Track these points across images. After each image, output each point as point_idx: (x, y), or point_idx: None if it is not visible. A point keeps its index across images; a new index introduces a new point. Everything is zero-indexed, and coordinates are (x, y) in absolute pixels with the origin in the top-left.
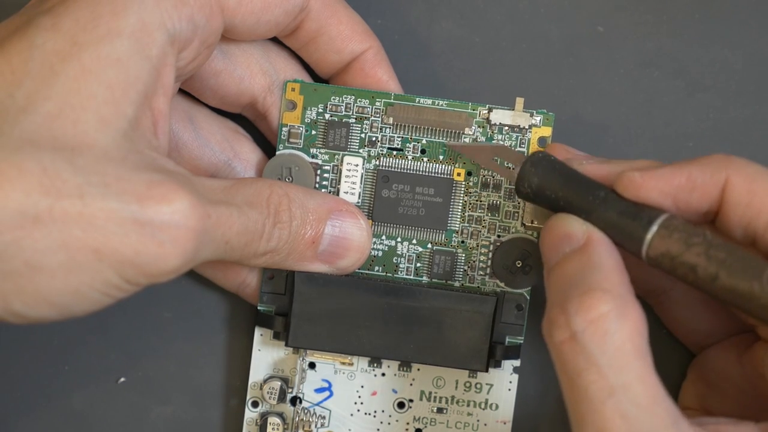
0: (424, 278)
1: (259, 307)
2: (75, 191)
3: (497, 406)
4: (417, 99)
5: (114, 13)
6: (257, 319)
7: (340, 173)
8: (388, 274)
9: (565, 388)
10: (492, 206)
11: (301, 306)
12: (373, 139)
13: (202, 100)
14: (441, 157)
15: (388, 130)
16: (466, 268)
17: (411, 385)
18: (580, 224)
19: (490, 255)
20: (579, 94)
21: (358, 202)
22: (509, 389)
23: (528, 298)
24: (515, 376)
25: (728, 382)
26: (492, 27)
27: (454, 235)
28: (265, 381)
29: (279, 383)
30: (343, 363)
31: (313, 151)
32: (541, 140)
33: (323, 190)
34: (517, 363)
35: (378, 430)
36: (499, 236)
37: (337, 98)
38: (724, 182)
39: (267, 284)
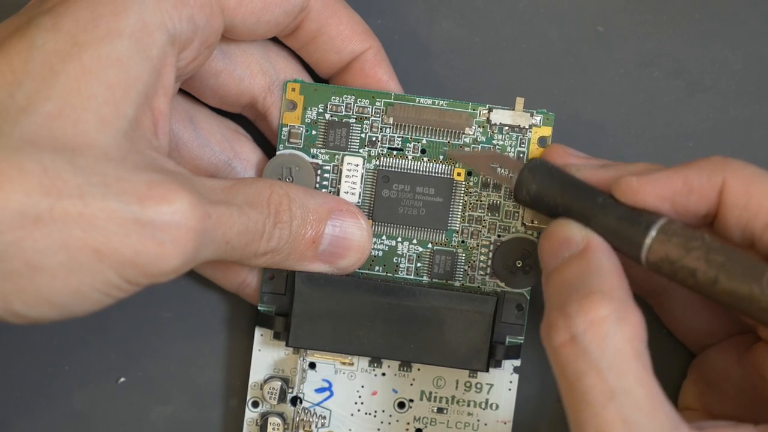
0: (425, 278)
1: (259, 307)
2: (75, 191)
3: (497, 406)
4: (417, 99)
5: (114, 13)
6: (257, 319)
7: (341, 173)
8: (388, 274)
9: (564, 392)
10: (492, 206)
11: (301, 306)
12: (374, 139)
13: (203, 100)
14: (441, 157)
15: (388, 130)
16: (466, 268)
17: (411, 385)
18: (580, 229)
19: (491, 255)
20: (579, 94)
21: (358, 202)
22: (509, 389)
23: (528, 297)
24: (515, 376)
25: (728, 382)
26: (492, 27)
27: (454, 235)
28: (266, 381)
29: (279, 383)
30: (344, 363)
31: (313, 151)
32: (542, 140)
33: (323, 190)
34: (517, 363)
35: (378, 430)
36: (499, 236)
37: (338, 98)
38: (721, 185)
39: (267, 284)
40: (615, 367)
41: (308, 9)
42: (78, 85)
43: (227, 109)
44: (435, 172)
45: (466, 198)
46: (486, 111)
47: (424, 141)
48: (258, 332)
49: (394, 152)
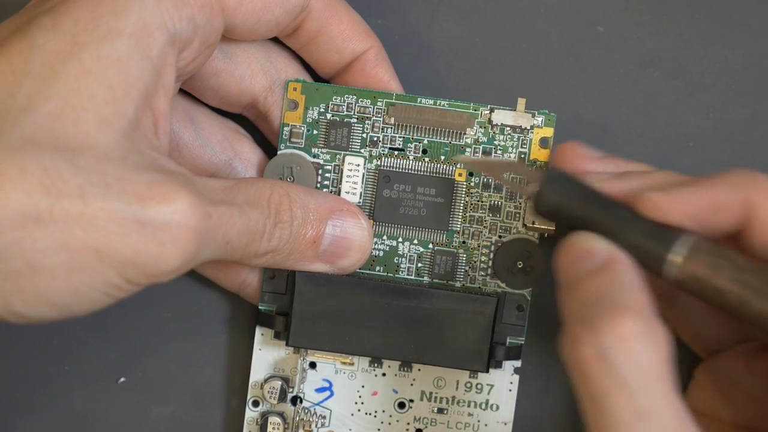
0: (425, 278)
1: (259, 307)
2: (76, 191)
3: (498, 407)
4: (419, 99)
5: (114, 13)
6: (258, 319)
7: (342, 173)
8: (389, 274)
9: (588, 409)
10: (493, 207)
11: (301, 306)
12: (375, 139)
13: (203, 100)
14: (442, 158)
15: (389, 130)
16: (467, 268)
17: (411, 385)
18: (603, 243)
19: (492, 255)
20: (579, 94)
21: (359, 202)
22: (510, 390)
23: (529, 298)
24: (516, 377)
25: (738, 390)
26: (492, 27)
27: (455, 235)
28: (266, 381)
29: (280, 383)
30: (344, 363)
31: (314, 150)
32: (543, 141)
33: (324, 190)
34: (517, 364)
35: (378, 430)
36: (500, 237)
37: (339, 98)
38: (749, 202)
39: (268, 284)
40: (644, 387)
41: (309, 9)
42: (78, 85)
43: (228, 109)
44: (436, 173)
45: (467, 198)
46: (487, 111)
47: (425, 141)
48: (258, 332)
49: (396, 152)
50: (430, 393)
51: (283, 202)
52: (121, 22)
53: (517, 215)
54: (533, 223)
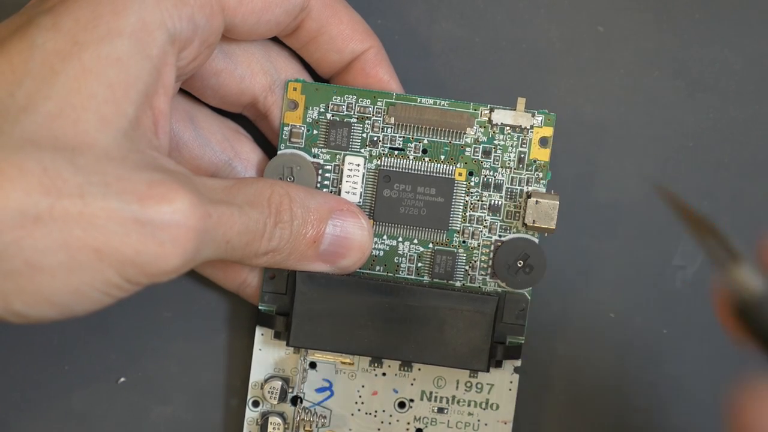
0: (425, 278)
1: (260, 307)
2: (75, 191)
3: (498, 406)
4: (419, 99)
5: (114, 12)
6: (258, 319)
7: (342, 173)
8: (389, 274)
9: None
10: (493, 206)
11: (302, 306)
12: (375, 138)
13: (203, 99)
14: (442, 157)
15: (389, 129)
16: (467, 268)
17: (412, 384)
18: None
19: (492, 255)
20: (579, 94)
21: (359, 202)
22: (510, 389)
23: (529, 298)
24: (516, 376)
25: None
26: (492, 27)
27: (455, 235)
28: (266, 381)
29: (280, 383)
30: (344, 363)
31: (314, 150)
32: (543, 140)
33: (324, 190)
34: (518, 363)
35: (379, 429)
36: (500, 236)
37: (339, 98)
38: None
39: (268, 284)
40: None
41: (309, 9)
42: (78, 84)
43: (228, 108)
44: (436, 172)
45: (467, 198)
46: (487, 111)
47: (425, 141)
48: (258, 332)
49: (396, 152)
50: (430, 392)
51: (283, 202)
52: (121, 22)
53: (517, 215)
54: (533, 222)
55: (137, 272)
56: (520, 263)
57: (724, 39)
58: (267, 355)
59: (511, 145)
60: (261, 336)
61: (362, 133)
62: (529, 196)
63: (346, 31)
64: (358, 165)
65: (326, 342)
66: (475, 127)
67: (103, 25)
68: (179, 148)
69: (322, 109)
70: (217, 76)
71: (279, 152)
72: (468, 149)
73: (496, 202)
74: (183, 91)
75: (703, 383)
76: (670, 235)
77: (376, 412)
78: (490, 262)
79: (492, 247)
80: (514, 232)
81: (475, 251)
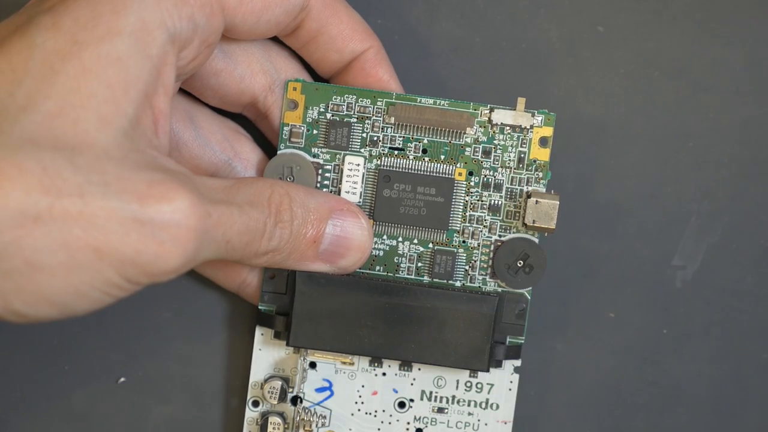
0: (425, 278)
1: (260, 307)
2: (75, 190)
3: (498, 406)
4: (418, 99)
5: (114, 12)
6: (258, 319)
7: (342, 173)
8: (389, 274)
9: None
10: (493, 206)
11: (302, 305)
12: (375, 138)
13: (203, 99)
14: (442, 157)
15: (389, 129)
16: (467, 267)
17: (412, 384)
18: None
19: (491, 255)
20: (579, 94)
21: (359, 202)
22: (510, 389)
23: (529, 298)
24: (516, 376)
25: None
26: (492, 27)
27: (455, 234)
28: (266, 380)
29: (280, 383)
30: (344, 362)
31: (314, 150)
32: (543, 140)
33: (324, 190)
34: (518, 363)
35: (378, 429)
36: (500, 236)
37: (339, 98)
38: None
39: (268, 284)
40: None
41: (309, 8)
42: (78, 83)
43: (228, 108)
44: (436, 172)
45: (467, 198)
46: (487, 111)
47: (425, 141)
48: (258, 332)
49: (396, 152)
50: (430, 392)
51: (283, 202)
52: (120, 21)
53: (517, 214)
54: (533, 222)
55: (137, 272)
56: (520, 263)
57: (724, 39)
58: (267, 355)
59: (511, 145)
60: (261, 336)
61: (362, 132)
62: (529, 196)
63: (346, 31)
64: (358, 165)
65: (326, 342)
66: (475, 127)
67: (102, 25)
68: (179, 148)
69: (322, 109)
70: (217, 76)
71: (279, 152)
72: (468, 149)
73: (496, 202)
74: (183, 91)
75: (703, 383)
76: (670, 235)
77: (376, 412)
78: (490, 262)
79: (492, 247)
80: (514, 232)
81: (475, 251)
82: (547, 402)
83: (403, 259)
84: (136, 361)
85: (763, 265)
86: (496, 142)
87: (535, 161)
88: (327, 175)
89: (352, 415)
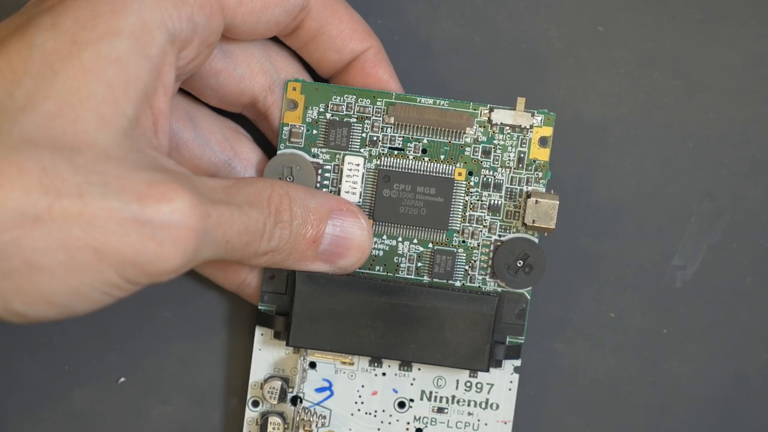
0: (425, 278)
1: (259, 307)
2: (75, 190)
3: (498, 406)
4: (418, 99)
5: (114, 12)
6: (258, 319)
7: (341, 173)
8: (389, 274)
9: None
10: (493, 206)
11: (301, 305)
12: (374, 138)
13: (203, 99)
14: (442, 157)
15: (389, 129)
16: (467, 267)
17: (411, 384)
18: None
19: (491, 255)
20: (579, 94)
21: (359, 202)
22: (510, 389)
23: (529, 298)
24: (516, 376)
25: None
26: (492, 27)
27: (455, 234)
28: (266, 380)
29: (279, 383)
30: (344, 362)
31: (314, 150)
32: (542, 140)
33: (324, 190)
34: (517, 363)
35: (378, 429)
36: (500, 236)
37: (339, 98)
38: None
39: (268, 284)
40: None
41: (308, 8)
42: (77, 84)
43: (228, 108)
44: (436, 172)
45: (466, 198)
46: (487, 111)
47: (425, 141)
48: (258, 332)
49: (395, 152)
50: (430, 392)
51: (283, 202)
52: (120, 21)
53: (517, 214)
54: (533, 222)
55: (137, 272)
56: (519, 263)
57: (724, 39)
58: (267, 355)
59: (511, 145)
60: (261, 336)
61: (362, 132)
62: (528, 195)
63: (345, 31)
64: (358, 165)
65: (326, 342)
66: (474, 127)
67: (102, 25)
68: (179, 148)
69: (321, 109)
70: (217, 76)
71: (279, 152)
72: (468, 149)
73: (496, 201)
74: (183, 91)
75: (703, 383)
76: (670, 235)
77: (375, 412)
78: (490, 262)
79: (492, 247)
80: (513, 232)
81: (474, 251)
82: (547, 402)
83: (403, 259)
84: (136, 361)
85: (763, 265)
86: (495, 142)
87: (534, 161)
88: (327, 175)
89: (352, 415)
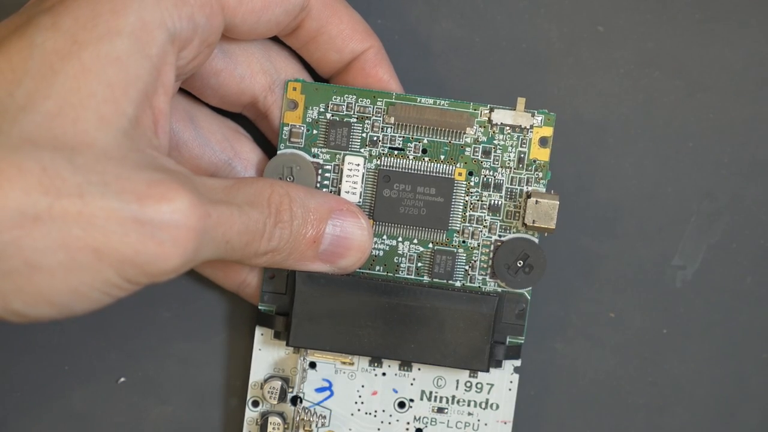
0: (425, 278)
1: (259, 307)
2: (75, 190)
3: (498, 406)
4: (418, 99)
5: (114, 11)
6: (258, 319)
7: (342, 173)
8: (389, 274)
9: None
10: (493, 206)
11: (301, 305)
12: (375, 138)
13: (203, 99)
14: (442, 157)
15: (389, 129)
16: (467, 267)
17: (411, 384)
18: None
19: (491, 255)
20: (579, 94)
21: (359, 202)
22: (510, 389)
23: (529, 298)
24: (516, 376)
25: None
26: (492, 27)
27: (455, 234)
28: (266, 380)
29: (279, 383)
30: (344, 362)
31: (314, 150)
32: (543, 140)
33: (324, 190)
34: (517, 363)
35: (378, 429)
36: (500, 236)
37: (339, 98)
38: None
39: (268, 284)
40: None
41: (309, 8)
42: (77, 83)
43: (228, 108)
44: (436, 172)
45: (467, 198)
46: (487, 111)
47: (425, 141)
48: (258, 332)
49: (395, 152)
50: (430, 392)
51: (283, 202)
52: (120, 21)
53: (517, 214)
54: (533, 222)
55: (137, 272)
56: (520, 263)
57: (724, 39)
58: (267, 355)
59: (511, 145)
60: (261, 336)
61: (362, 132)
62: (528, 196)
63: (346, 31)
64: (358, 165)
65: (326, 342)
66: (474, 127)
67: (102, 25)
68: (179, 148)
69: (321, 109)
70: (217, 76)
71: (279, 152)
72: (468, 149)
73: (496, 202)
74: (183, 91)
75: (703, 383)
76: (670, 235)
77: (375, 412)
78: (490, 262)
79: (492, 247)
80: (514, 232)
81: (474, 251)
82: (547, 402)
83: (403, 259)
84: (136, 361)
85: (763, 265)
86: (496, 142)
87: (535, 161)
88: (327, 175)
89: (352, 415)
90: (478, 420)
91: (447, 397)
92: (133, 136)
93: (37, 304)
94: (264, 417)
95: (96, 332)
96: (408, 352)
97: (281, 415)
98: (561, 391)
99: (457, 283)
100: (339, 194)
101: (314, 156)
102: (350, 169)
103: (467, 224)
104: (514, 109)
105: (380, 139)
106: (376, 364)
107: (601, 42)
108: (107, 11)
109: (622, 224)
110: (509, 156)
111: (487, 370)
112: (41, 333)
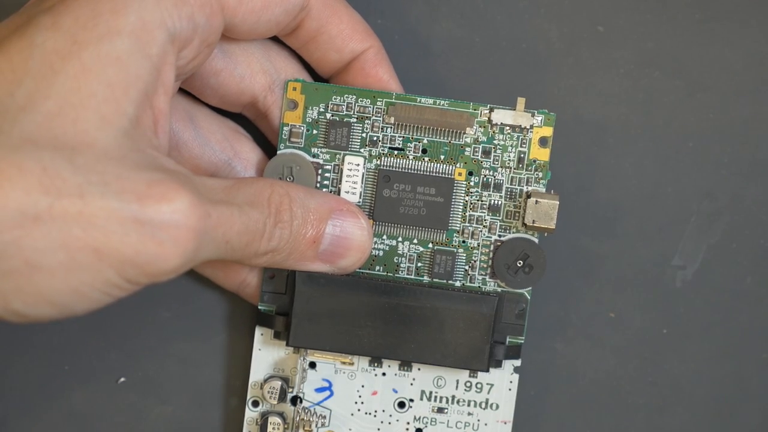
0: (425, 278)
1: (259, 307)
2: (75, 190)
3: (498, 406)
4: (418, 99)
5: (114, 11)
6: (258, 319)
7: (341, 173)
8: (388, 274)
9: None
10: (493, 206)
11: (301, 305)
12: (375, 138)
13: (203, 99)
14: (442, 157)
15: (389, 129)
16: (467, 267)
17: (411, 384)
18: None
19: (491, 255)
20: (579, 94)
21: (359, 202)
22: (510, 389)
23: (529, 298)
24: (516, 376)
25: None
26: (492, 27)
27: (455, 234)
28: (266, 380)
29: (279, 383)
30: (344, 362)
31: (314, 150)
32: (542, 140)
33: (324, 190)
34: (517, 363)
35: (378, 429)
36: (500, 236)
37: (339, 98)
38: None
39: (268, 284)
40: None
41: (308, 8)
42: (78, 83)
43: (228, 108)
44: (436, 172)
45: (466, 198)
46: (487, 111)
47: (425, 141)
48: (258, 332)
49: (395, 152)
50: (430, 392)
51: (283, 202)
52: (120, 21)
53: (517, 214)
54: (533, 222)
55: (137, 272)
56: (519, 263)
57: (724, 39)
58: (267, 355)
59: (511, 145)
60: (261, 336)
61: (362, 132)
62: (528, 196)
63: (345, 31)
64: (358, 165)
65: (326, 342)
66: (474, 127)
67: (102, 24)
68: (179, 148)
69: (321, 109)
70: (217, 76)
71: (279, 152)
72: (468, 149)
73: (496, 202)
74: (183, 91)
75: (703, 383)
76: (670, 235)
77: (375, 412)
78: (490, 262)
79: (492, 247)
80: (513, 232)
81: (474, 251)
82: (547, 402)
83: (403, 259)
84: (136, 361)
85: (763, 265)
86: (495, 142)
87: (534, 161)
88: (327, 175)
89: (352, 415)
90: (478, 420)
91: (447, 397)
92: (133, 136)
93: (38, 304)
94: (264, 417)
95: (96, 332)
96: (408, 352)
97: (281, 415)
98: (561, 391)
99: (457, 283)
100: (339, 194)
101: (314, 156)
102: (350, 169)
103: (467, 224)
104: (514, 109)
105: (380, 139)
106: (376, 364)
107: (601, 42)
108: (107, 11)
109: (622, 224)
110: (509, 156)
111: (487, 370)
112: (41, 333)
